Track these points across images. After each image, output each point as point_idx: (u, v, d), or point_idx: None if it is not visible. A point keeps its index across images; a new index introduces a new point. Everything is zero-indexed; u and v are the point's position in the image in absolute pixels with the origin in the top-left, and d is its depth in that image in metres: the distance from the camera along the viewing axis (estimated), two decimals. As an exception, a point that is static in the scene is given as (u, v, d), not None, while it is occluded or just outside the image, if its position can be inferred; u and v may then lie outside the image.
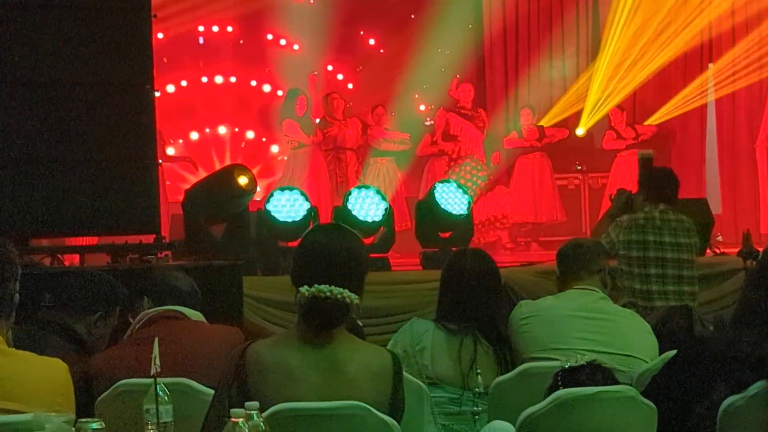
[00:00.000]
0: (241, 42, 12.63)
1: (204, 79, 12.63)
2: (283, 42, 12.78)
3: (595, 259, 4.16)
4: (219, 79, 12.68)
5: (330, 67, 12.74)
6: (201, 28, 12.56)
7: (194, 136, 12.65)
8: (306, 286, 2.69)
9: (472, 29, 13.04)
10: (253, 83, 12.78)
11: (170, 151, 11.91)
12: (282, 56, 12.67)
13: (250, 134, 12.81)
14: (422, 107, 12.68)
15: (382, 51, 13.05)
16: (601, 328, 3.91)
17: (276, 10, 12.56)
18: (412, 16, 13.09)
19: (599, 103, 12.54)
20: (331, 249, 2.77)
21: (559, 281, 4.21)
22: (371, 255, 7.02)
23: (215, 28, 12.63)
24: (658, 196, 5.94)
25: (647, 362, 3.82)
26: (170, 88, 12.38)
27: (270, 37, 12.72)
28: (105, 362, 3.42)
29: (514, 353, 3.86)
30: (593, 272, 4.12)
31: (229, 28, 12.64)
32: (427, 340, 3.81)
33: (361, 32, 13.00)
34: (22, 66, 6.01)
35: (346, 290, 2.70)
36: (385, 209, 7.28)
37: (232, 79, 12.70)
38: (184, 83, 12.53)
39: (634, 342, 3.91)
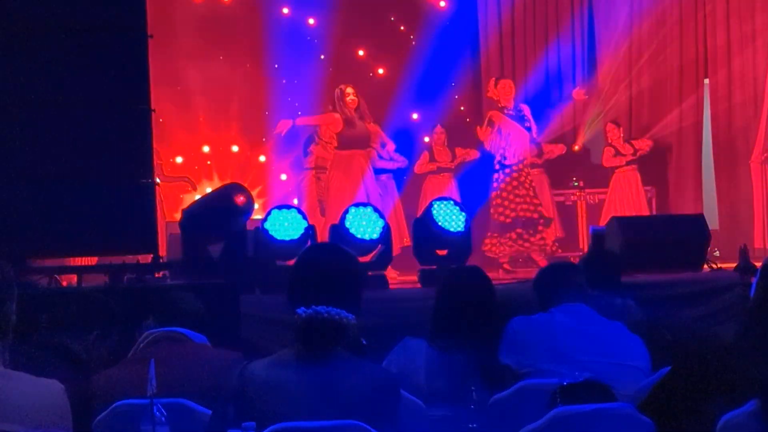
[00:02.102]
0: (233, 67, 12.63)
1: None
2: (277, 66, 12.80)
3: (574, 277, 4.21)
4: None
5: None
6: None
7: (192, 155, 12.65)
8: (303, 308, 2.70)
9: (469, 46, 13.08)
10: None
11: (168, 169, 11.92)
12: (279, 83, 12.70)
13: (248, 154, 12.80)
14: (426, 139, 12.65)
15: (381, 71, 13.06)
16: (598, 338, 3.93)
17: (273, 34, 12.57)
18: (411, 38, 13.10)
19: (595, 118, 12.57)
20: (327, 269, 2.79)
21: (541, 305, 4.22)
22: (369, 273, 7.05)
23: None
24: (597, 279, 5.72)
25: (644, 371, 3.84)
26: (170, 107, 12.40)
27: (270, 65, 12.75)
28: (106, 381, 3.41)
29: (506, 369, 3.87)
30: (574, 290, 4.15)
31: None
32: (420, 358, 3.82)
33: (360, 52, 13.00)
34: (18, 86, 6.02)
35: (343, 311, 2.71)
36: (383, 227, 7.27)
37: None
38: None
39: (629, 351, 3.94)
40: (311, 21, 12.90)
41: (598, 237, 7.36)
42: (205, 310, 3.75)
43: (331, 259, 2.84)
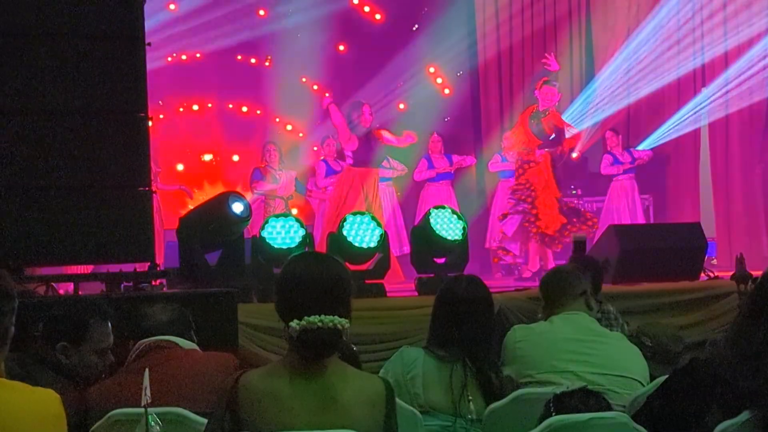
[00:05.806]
0: (210, 65, 12.61)
1: (180, 109, 12.65)
2: (253, 60, 12.77)
3: (577, 283, 4.23)
4: (195, 107, 12.69)
5: (304, 80, 12.75)
6: (169, 59, 12.49)
7: (189, 163, 12.65)
8: (296, 320, 2.69)
9: (467, 53, 13.07)
10: (230, 106, 12.81)
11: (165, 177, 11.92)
12: (254, 74, 12.66)
13: (238, 158, 12.79)
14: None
15: (350, 57, 13.01)
16: (595, 350, 3.95)
17: (243, 29, 12.53)
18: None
19: (593, 126, 12.58)
20: (314, 279, 2.75)
21: (545, 310, 4.26)
22: (366, 281, 7.05)
23: (184, 57, 12.60)
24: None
25: (641, 383, 3.85)
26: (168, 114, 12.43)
27: (239, 57, 12.71)
28: (100, 394, 3.41)
29: (504, 379, 3.87)
30: (576, 296, 4.18)
31: (197, 54, 12.63)
32: (418, 368, 3.82)
33: (329, 40, 12.94)
34: (16, 94, 6.02)
35: (336, 317, 2.70)
36: (381, 235, 7.27)
37: (209, 105, 12.74)
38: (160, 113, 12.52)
39: (627, 363, 3.96)
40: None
41: (579, 245, 7.38)
42: (194, 315, 3.74)
43: (316, 269, 2.81)
